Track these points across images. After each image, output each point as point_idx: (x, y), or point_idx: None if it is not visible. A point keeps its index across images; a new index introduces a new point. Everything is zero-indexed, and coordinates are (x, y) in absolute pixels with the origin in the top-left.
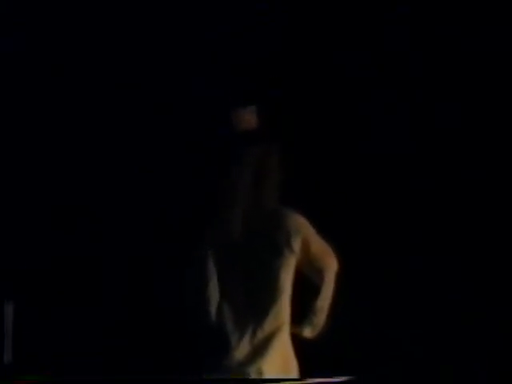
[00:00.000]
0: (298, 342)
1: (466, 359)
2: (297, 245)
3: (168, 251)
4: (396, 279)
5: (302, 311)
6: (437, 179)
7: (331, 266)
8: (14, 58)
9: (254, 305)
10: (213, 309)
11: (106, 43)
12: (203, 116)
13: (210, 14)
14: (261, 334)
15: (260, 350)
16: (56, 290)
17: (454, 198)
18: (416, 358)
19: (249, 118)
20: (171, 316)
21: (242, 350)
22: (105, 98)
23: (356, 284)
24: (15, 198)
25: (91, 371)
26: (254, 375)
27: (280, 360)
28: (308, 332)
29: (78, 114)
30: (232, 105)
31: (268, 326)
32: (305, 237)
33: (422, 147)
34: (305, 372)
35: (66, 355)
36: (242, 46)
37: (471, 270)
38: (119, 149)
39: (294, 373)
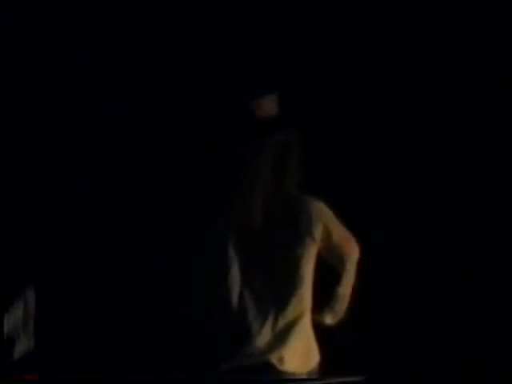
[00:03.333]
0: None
1: (467, 359)
2: (318, 232)
3: (188, 238)
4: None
5: (323, 298)
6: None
7: (353, 254)
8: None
9: (276, 292)
10: (234, 296)
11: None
12: (225, 105)
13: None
14: (282, 322)
15: (281, 337)
16: (57, 289)
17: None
18: (422, 358)
19: (269, 105)
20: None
21: (263, 337)
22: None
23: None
24: (15, 195)
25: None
26: (275, 363)
27: (301, 348)
28: (329, 319)
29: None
30: (252, 93)
31: (289, 314)
32: (326, 224)
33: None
34: (324, 363)
35: (66, 355)
36: (262, 35)
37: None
38: (141, 135)
39: (315, 361)
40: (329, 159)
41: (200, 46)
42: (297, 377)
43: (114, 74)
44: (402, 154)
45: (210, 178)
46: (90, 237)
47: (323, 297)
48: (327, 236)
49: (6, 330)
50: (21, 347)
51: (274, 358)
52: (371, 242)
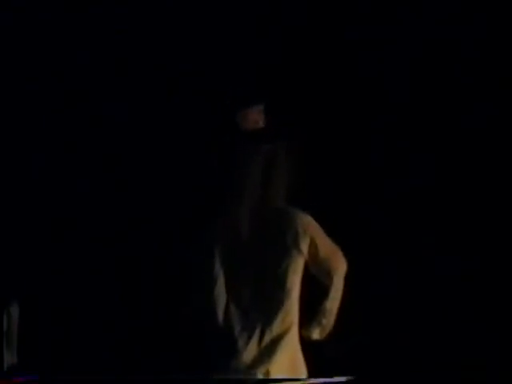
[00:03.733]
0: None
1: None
2: (305, 245)
3: (175, 251)
4: (399, 281)
5: (310, 312)
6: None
7: (340, 267)
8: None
9: (262, 306)
10: (220, 310)
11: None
12: (210, 114)
13: (217, 6)
14: (268, 336)
15: (268, 352)
16: (57, 289)
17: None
18: (416, 358)
19: (256, 116)
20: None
21: (249, 352)
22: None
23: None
24: (16, 195)
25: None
26: (261, 378)
27: (288, 362)
28: (316, 334)
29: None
30: (239, 104)
31: (276, 328)
32: (313, 237)
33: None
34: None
35: (66, 355)
36: (262, 35)
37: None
38: (125, 147)
39: (302, 375)
40: (328, 159)
41: (200, 46)
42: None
43: (114, 74)
44: (401, 154)
45: (205, 181)
46: (90, 237)
47: (311, 311)
48: (314, 249)
49: None
50: (4, 362)
51: (260, 374)
52: (371, 241)
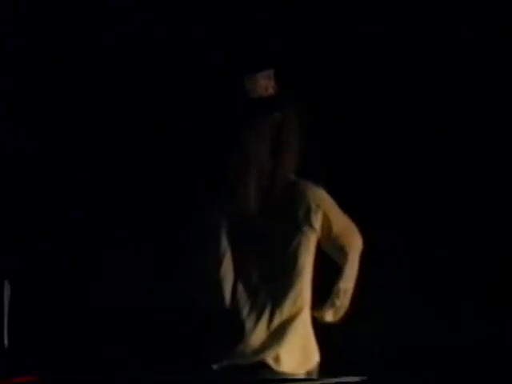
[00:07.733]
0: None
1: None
2: (317, 221)
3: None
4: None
5: (324, 293)
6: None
7: (355, 245)
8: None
9: (272, 286)
10: (227, 291)
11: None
12: (216, 82)
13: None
14: (278, 318)
15: (277, 335)
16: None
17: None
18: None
19: (265, 82)
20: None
21: (257, 335)
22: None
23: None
24: (15, 194)
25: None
26: (270, 363)
27: (299, 346)
28: (330, 316)
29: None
30: (247, 69)
31: (286, 310)
32: (326, 212)
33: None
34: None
35: (66, 355)
36: (262, 35)
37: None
38: (127, 123)
39: (314, 360)
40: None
41: (200, 44)
42: (294, 377)
43: (114, 73)
44: (399, 154)
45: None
46: (90, 236)
47: (324, 292)
48: (327, 225)
49: None
50: None
51: (269, 358)
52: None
